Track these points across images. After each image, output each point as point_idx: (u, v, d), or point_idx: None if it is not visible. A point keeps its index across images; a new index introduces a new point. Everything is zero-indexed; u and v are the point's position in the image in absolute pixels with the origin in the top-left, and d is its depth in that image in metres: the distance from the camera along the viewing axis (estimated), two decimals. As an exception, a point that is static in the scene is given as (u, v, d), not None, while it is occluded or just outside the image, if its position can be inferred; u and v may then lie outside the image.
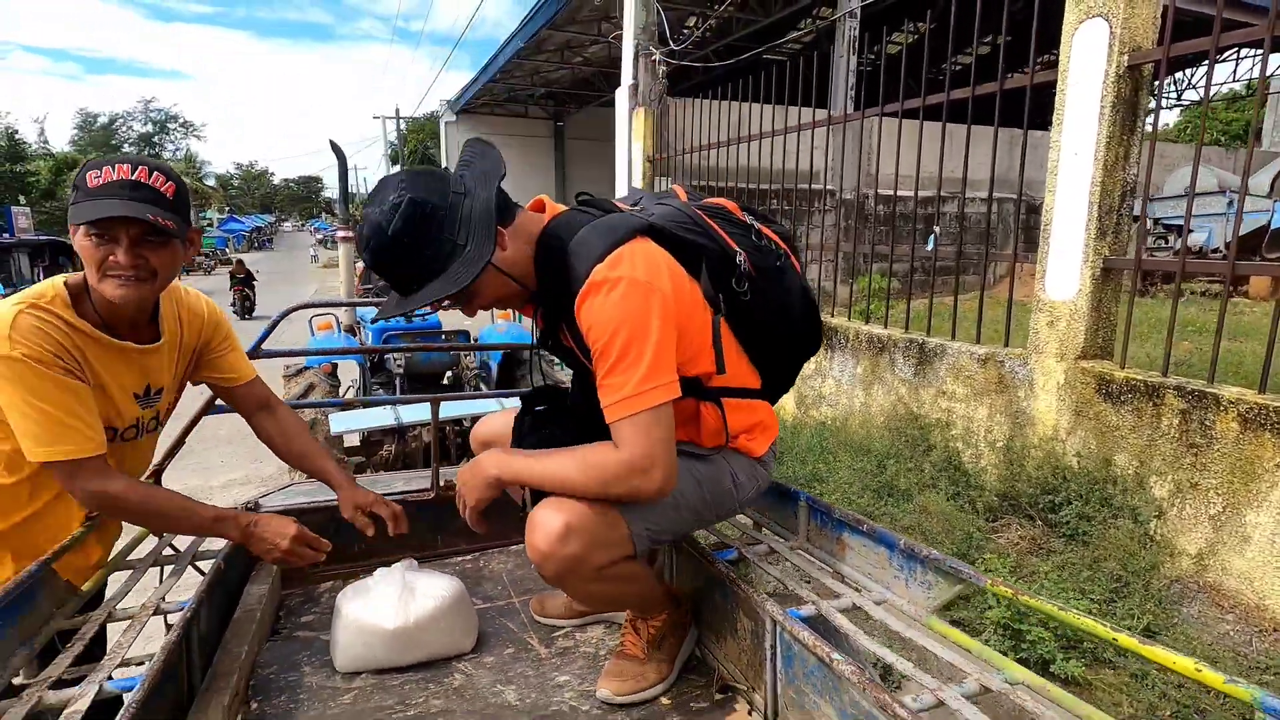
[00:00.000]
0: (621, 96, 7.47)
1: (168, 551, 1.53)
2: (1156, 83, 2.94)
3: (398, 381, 4.97)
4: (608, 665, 1.40)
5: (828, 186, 6.17)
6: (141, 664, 1.11)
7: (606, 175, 8.47)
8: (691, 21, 11.05)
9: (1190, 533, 2.62)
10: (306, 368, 4.55)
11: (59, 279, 1.24)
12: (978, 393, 3.46)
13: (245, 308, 14.77)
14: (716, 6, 10.03)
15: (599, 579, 1.23)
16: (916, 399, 3.84)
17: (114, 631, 1.26)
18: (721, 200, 1.35)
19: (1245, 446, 2.43)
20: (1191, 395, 2.58)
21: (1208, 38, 2.58)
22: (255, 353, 1.80)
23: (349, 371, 5.88)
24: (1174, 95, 19.02)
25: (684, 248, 1.20)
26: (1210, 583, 2.56)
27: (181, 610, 1.26)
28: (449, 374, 5.19)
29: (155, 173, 1.18)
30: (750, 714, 1.31)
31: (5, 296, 1.40)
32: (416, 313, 1.30)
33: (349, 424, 3.87)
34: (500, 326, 5.35)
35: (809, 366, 4.55)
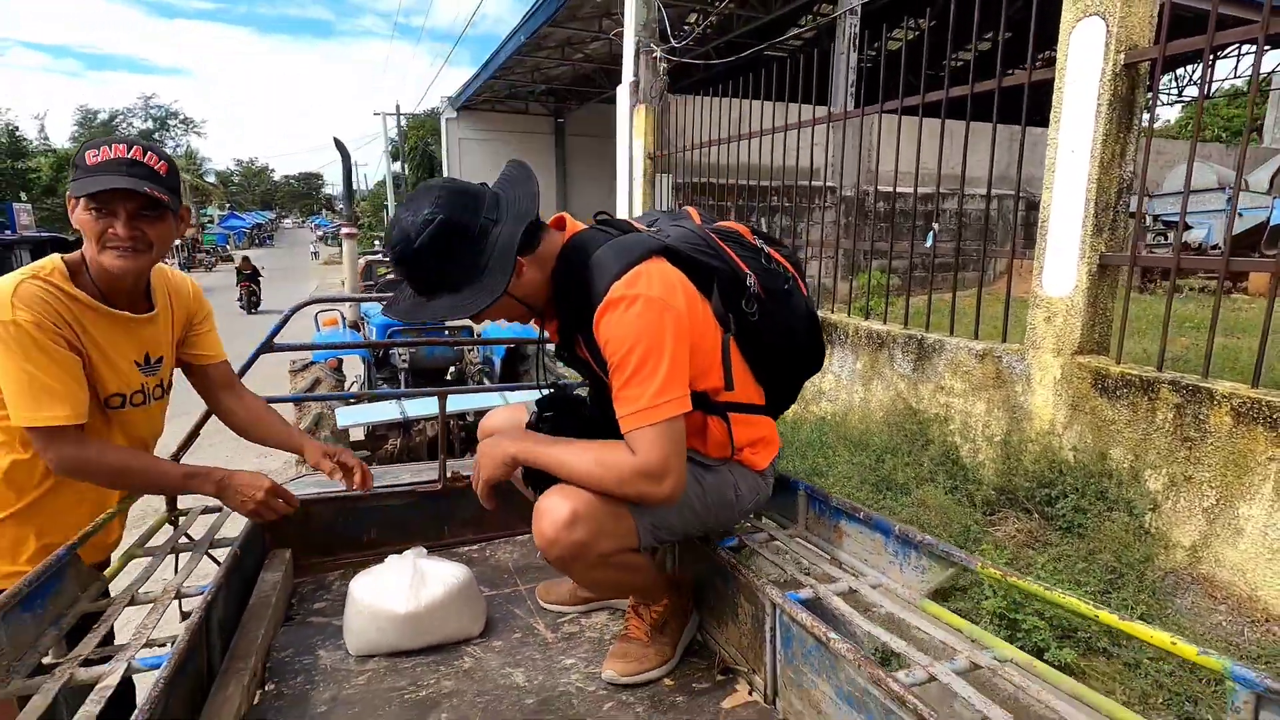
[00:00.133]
0: (622, 93, 7.49)
1: (183, 540, 1.57)
2: (1153, 80, 2.97)
3: (402, 376, 5.03)
4: (612, 648, 1.45)
5: (828, 183, 6.20)
6: (163, 645, 1.16)
7: (607, 172, 8.50)
8: (692, 18, 11.07)
9: (1184, 525, 2.66)
10: (313, 362, 4.60)
11: (56, 256, 1.31)
12: (976, 388, 3.50)
13: (251, 303, 15.02)
14: (717, 3, 10.04)
15: (603, 565, 1.28)
16: (915, 394, 3.88)
17: (131, 615, 1.30)
18: (734, 224, 1.42)
19: (1238, 440, 2.47)
20: (1186, 390, 2.62)
21: (1204, 36, 2.61)
22: (268, 347, 1.85)
23: (353, 366, 5.93)
24: (1175, 91, 19.00)
25: (697, 268, 1.26)
26: (1203, 574, 2.60)
27: (201, 595, 1.30)
28: (452, 369, 5.24)
29: (149, 152, 1.27)
30: (750, 694, 1.36)
31: None
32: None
33: (355, 418, 3.92)
34: (503, 322, 5.38)
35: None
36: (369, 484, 1.61)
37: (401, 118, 27.88)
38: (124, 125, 41.63)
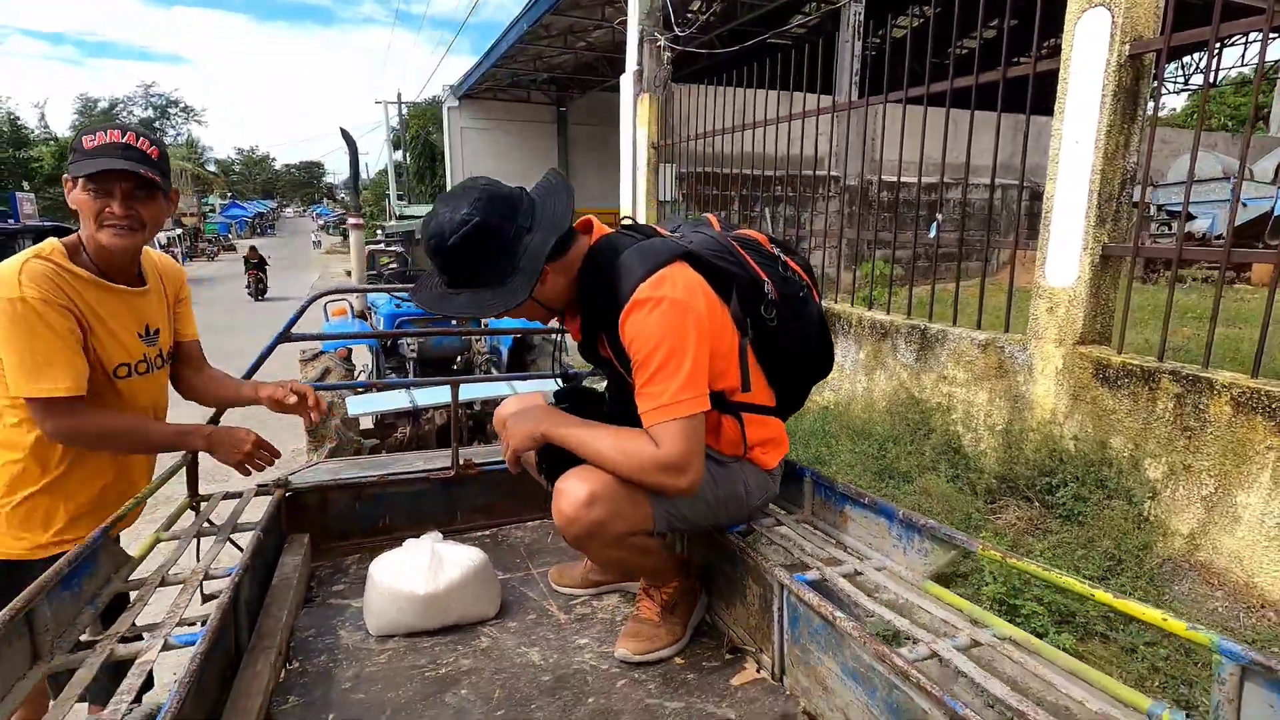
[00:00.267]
0: (626, 82, 7.48)
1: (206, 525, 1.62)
2: (1158, 71, 2.98)
3: (410, 365, 5.07)
4: (625, 627, 1.50)
5: (832, 172, 6.20)
6: (193, 625, 1.21)
7: (609, 161, 8.49)
8: (696, 6, 10.97)
9: (1183, 513, 2.70)
10: (322, 352, 4.64)
11: (53, 239, 1.40)
12: (978, 377, 3.54)
13: (259, 290, 15.24)
14: (721, -9, 9.96)
15: (618, 545, 1.33)
16: (918, 384, 3.92)
17: (161, 596, 1.35)
18: (752, 232, 1.47)
19: (1237, 429, 2.50)
20: (1186, 380, 2.65)
21: (1209, 27, 2.62)
22: (285, 336, 1.88)
23: (360, 356, 5.98)
24: (1182, 79, 18.86)
25: (717, 274, 1.32)
26: (1201, 561, 2.64)
27: (228, 576, 1.35)
28: (460, 358, 5.28)
29: (141, 138, 1.38)
30: (759, 671, 1.41)
31: None
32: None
33: (365, 407, 3.97)
34: None
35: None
36: (322, 407, 1.67)
37: (403, 106, 27.75)
38: (124, 113, 41.43)
